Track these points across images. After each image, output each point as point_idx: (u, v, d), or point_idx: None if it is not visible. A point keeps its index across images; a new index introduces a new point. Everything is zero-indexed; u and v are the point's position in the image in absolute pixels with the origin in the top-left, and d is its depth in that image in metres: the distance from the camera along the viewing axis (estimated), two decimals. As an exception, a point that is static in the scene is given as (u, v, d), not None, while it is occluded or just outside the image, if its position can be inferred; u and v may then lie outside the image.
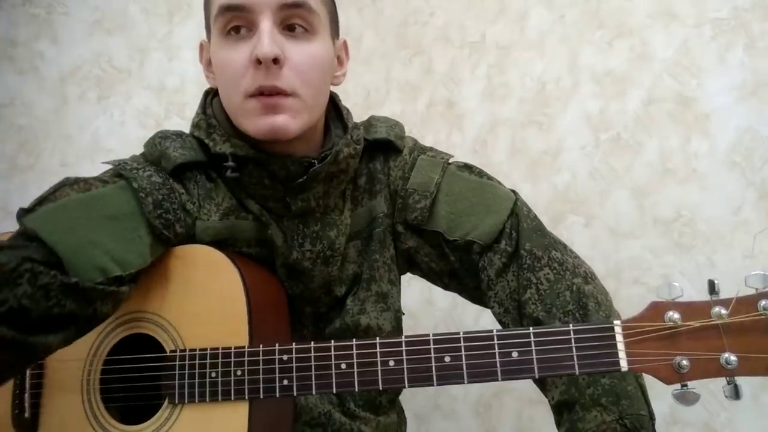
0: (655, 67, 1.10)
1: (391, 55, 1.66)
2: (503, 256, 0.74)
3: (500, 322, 0.76)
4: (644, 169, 1.10)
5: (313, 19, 0.68)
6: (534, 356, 0.55)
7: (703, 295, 0.54)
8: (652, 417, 0.62)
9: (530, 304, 0.70)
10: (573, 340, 0.55)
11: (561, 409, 0.66)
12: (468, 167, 0.81)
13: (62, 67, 1.44)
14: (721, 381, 0.53)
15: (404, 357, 0.58)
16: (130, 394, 0.69)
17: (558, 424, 0.67)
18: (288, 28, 0.67)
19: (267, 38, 0.64)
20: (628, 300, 1.10)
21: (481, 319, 1.36)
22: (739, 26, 1.00)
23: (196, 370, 0.64)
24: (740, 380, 0.52)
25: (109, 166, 0.73)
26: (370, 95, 1.70)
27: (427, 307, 1.47)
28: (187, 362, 0.65)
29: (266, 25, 0.65)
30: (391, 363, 0.58)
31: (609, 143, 1.16)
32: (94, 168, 1.40)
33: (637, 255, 1.10)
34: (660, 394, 0.62)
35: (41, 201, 0.64)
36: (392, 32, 1.67)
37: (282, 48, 0.66)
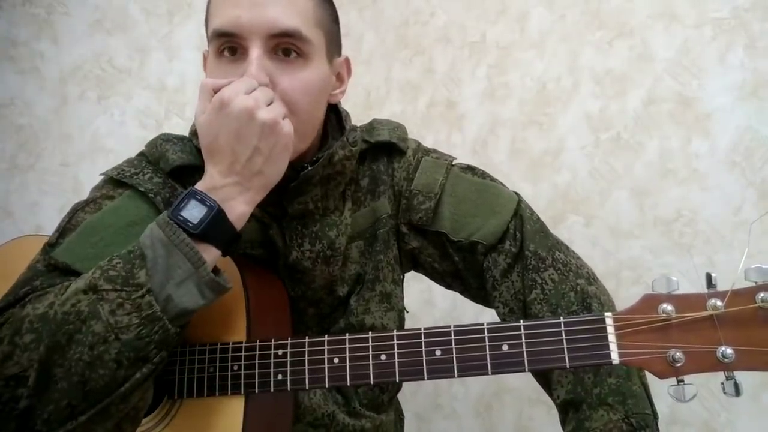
0: (655, 67, 1.10)
1: (392, 55, 1.66)
2: (508, 256, 0.75)
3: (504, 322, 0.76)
4: (644, 169, 1.11)
5: (305, 46, 0.67)
6: (524, 349, 0.55)
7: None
8: (655, 416, 0.63)
9: (536, 304, 0.71)
10: (563, 333, 0.54)
11: (567, 408, 0.66)
12: (471, 169, 0.82)
13: (62, 67, 1.44)
14: (721, 380, 0.52)
15: (395, 351, 0.58)
16: None
17: (563, 422, 0.67)
18: (283, 52, 0.66)
19: (255, 67, 0.63)
20: (628, 300, 1.09)
21: (480, 319, 1.36)
22: (739, 26, 1.00)
23: (195, 366, 0.65)
24: (740, 379, 0.51)
25: (110, 171, 0.73)
26: (371, 95, 1.71)
27: (427, 307, 1.47)
28: (187, 358, 0.66)
29: (255, 53, 0.64)
30: (383, 357, 0.59)
31: (609, 143, 1.16)
32: (94, 168, 1.41)
33: (637, 255, 1.10)
34: (660, 395, 0.62)
35: (62, 232, 0.66)
36: (392, 32, 1.67)
37: (272, 75, 0.65)
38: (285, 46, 0.66)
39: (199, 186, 0.60)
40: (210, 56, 0.69)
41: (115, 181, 0.70)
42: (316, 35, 0.68)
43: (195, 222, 0.58)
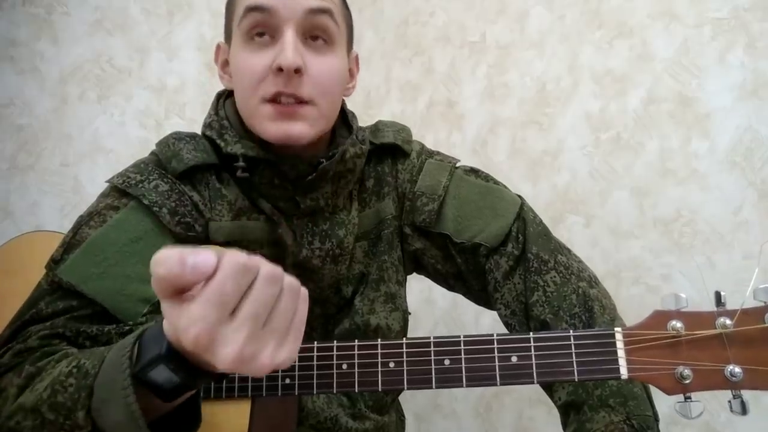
0: (655, 67, 1.10)
1: (391, 55, 1.66)
2: (510, 258, 0.75)
3: (506, 324, 0.77)
4: (644, 169, 1.11)
5: (335, 30, 0.70)
6: (533, 361, 0.55)
7: (702, 295, 0.54)
8: (656, 418, 0.63)
9: (537, 307, 0.71)
10: (573, 346, 0.55)
11: (568, 410, 0.67)
12: (474, 171, 0.82)
13: (62, 67, 1.44)
14: (726, 394, 0.53)
15: (404, 359, 0.58)
16: None
17: (564, 424, 0.67)
18: (311, 38, 0.69)
19: (290, 48, 0.65)
20: (628, 300, 1.10)
21: (480, 318, 1.36)
22: (739, 26, 1.00)
23: None
24: (746, 397, 0.52)
25: (115, 178, 0.72)
26: (370, 95, 1.71)
27: (427, 306, 1.47)
28: None
29: (290, 35, 0.66)
30: (392, 365, 0.58)
31: (609, 143, 1.16)
32: (94, 168, 1.41)
33: (637, 255, 1.10)
34: (661, 395, 0.62)
35: (67, 248, 0.65)
36: (392, 32, 1.67)
37: (303, 58, 0.67)
38: (315, 32, 0.69)
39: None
40: (236, 39, 0.70)
41: (120, 190, 0.69)
42: (342, 22, 0.72)
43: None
